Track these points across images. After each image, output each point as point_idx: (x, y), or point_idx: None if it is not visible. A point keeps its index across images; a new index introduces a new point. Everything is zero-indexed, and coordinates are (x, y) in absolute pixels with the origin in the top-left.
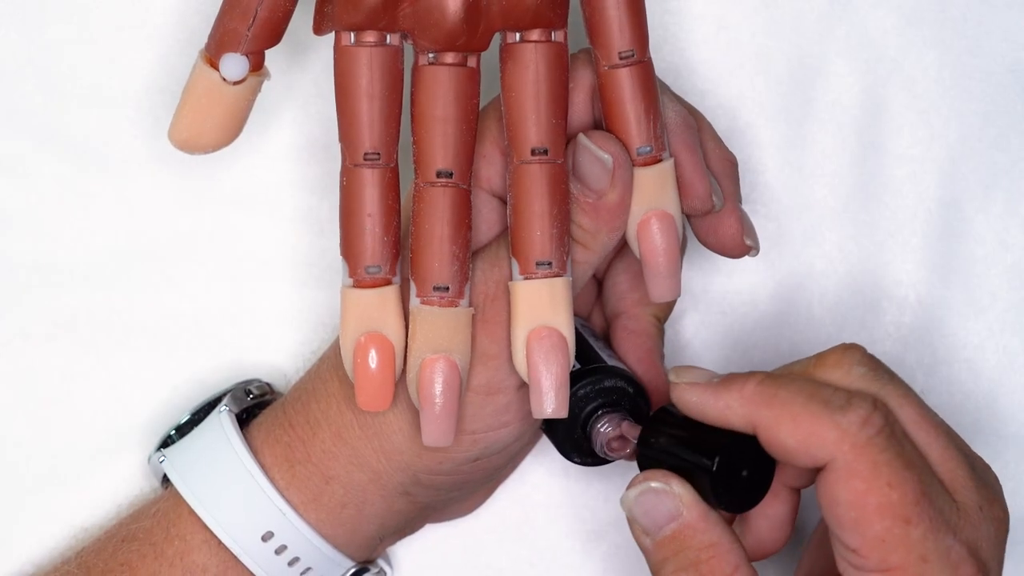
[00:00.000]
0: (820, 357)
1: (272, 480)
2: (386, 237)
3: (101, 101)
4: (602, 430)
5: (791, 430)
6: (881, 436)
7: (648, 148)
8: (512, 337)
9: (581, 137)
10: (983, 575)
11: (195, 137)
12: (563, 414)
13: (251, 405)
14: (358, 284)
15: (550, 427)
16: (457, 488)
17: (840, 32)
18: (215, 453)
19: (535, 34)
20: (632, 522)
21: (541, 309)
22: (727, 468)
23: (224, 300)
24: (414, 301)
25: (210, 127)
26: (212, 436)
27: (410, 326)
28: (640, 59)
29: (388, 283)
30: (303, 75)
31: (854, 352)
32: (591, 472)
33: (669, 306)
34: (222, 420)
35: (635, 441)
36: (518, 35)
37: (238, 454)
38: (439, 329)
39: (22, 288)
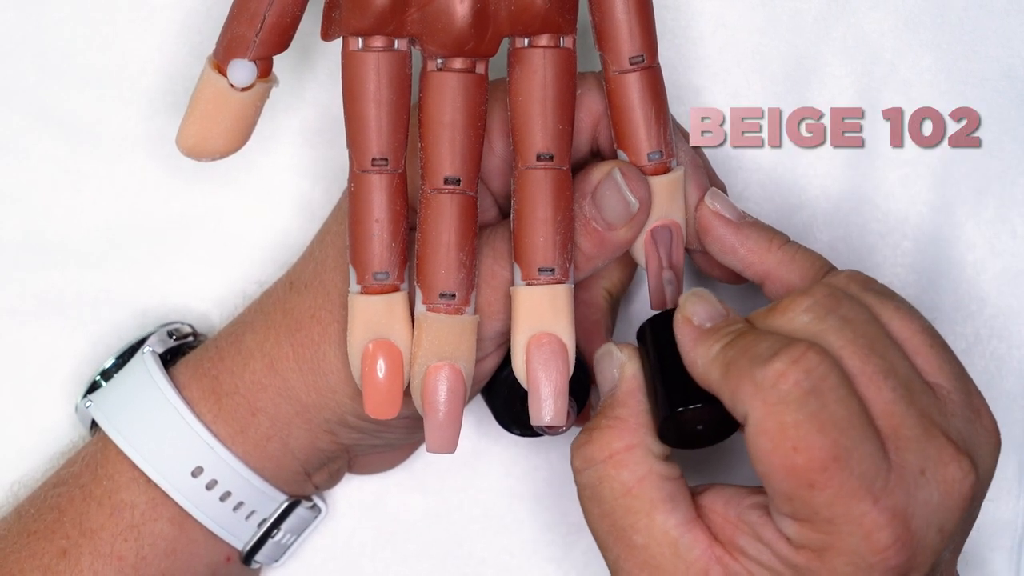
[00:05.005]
0: (776, 303)
1: (199, 414)
2: (394, 243)
3: (96, 81)
4: None
5: (726, 388)
6: (796, 391)
7: (659, 154)
8: (512, 343)
9: (616, 171)
10: (905, 544)
11: (202, 143)
12: (561, 422)
13: (177, 346)
14: (366, 291)
15: (490, 399)
16: (379, 436)
17: (837, 33)
18: (139, 391)
19: (544, 39)
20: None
21: (542, 315)
22: (682, 421)
23: (213, 283)
24: (420, 308)
25: (217, 133)
26: (136, 376)
27: (415, 333)
28: (649, 64)
29: (396, 290)
30: (301, 61)
31: (804, 298)
32: None
33: (622, 282)
34: (145, 359)
35: (575, 416)
36: (526, 40)
37: (162, 390)
38: (444, 336)
39: (11, 265)
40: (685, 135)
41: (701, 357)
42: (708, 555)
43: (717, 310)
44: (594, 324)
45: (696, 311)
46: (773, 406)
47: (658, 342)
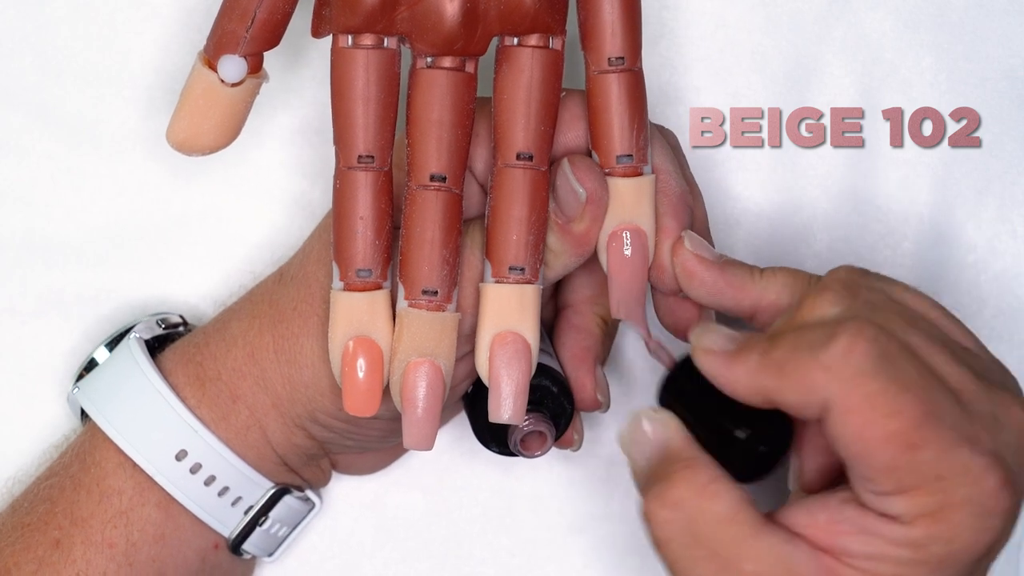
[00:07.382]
0: (799, 304)
1: (183, 399)
2: (378, 241)
3: (96, 80)
4: (519, 426)
5: (790, 387)
6: (868, 361)
7: (629, 157)
8: (476, 339)
9: (564, 162)
10: (1010, 483)
11: (192, 138)
12: (518, 421)
13: (165, 334)
14: (348, 287)
15: (472, 414)
16: (351, 437)
17: (837, 33)
18: (125, 377)
19: (533, 39)
20: (629, 460)
21: (509, 314)
22: (749, 445)
23: (213, 281)
24: (402, 304)
25: (208, 128)
26: (122, 362)
27: (396, 328)
28: (630, 67)
29: (379, 287)
30: (297, 60)
31: (823, 294)
32: (573, 467)
33: None
34: (131, 346)
35: (551, 441)
36: (515, 40)
37: (146, 375)
38: (426, 333)
39: (11, 264)
40: (689, 180)
41: (743, 374)
42: (819, 567)
43: (730, 332)
44: (585, 351)
45: (714, 340)
46: (852, 380)
47: (685, 392)
